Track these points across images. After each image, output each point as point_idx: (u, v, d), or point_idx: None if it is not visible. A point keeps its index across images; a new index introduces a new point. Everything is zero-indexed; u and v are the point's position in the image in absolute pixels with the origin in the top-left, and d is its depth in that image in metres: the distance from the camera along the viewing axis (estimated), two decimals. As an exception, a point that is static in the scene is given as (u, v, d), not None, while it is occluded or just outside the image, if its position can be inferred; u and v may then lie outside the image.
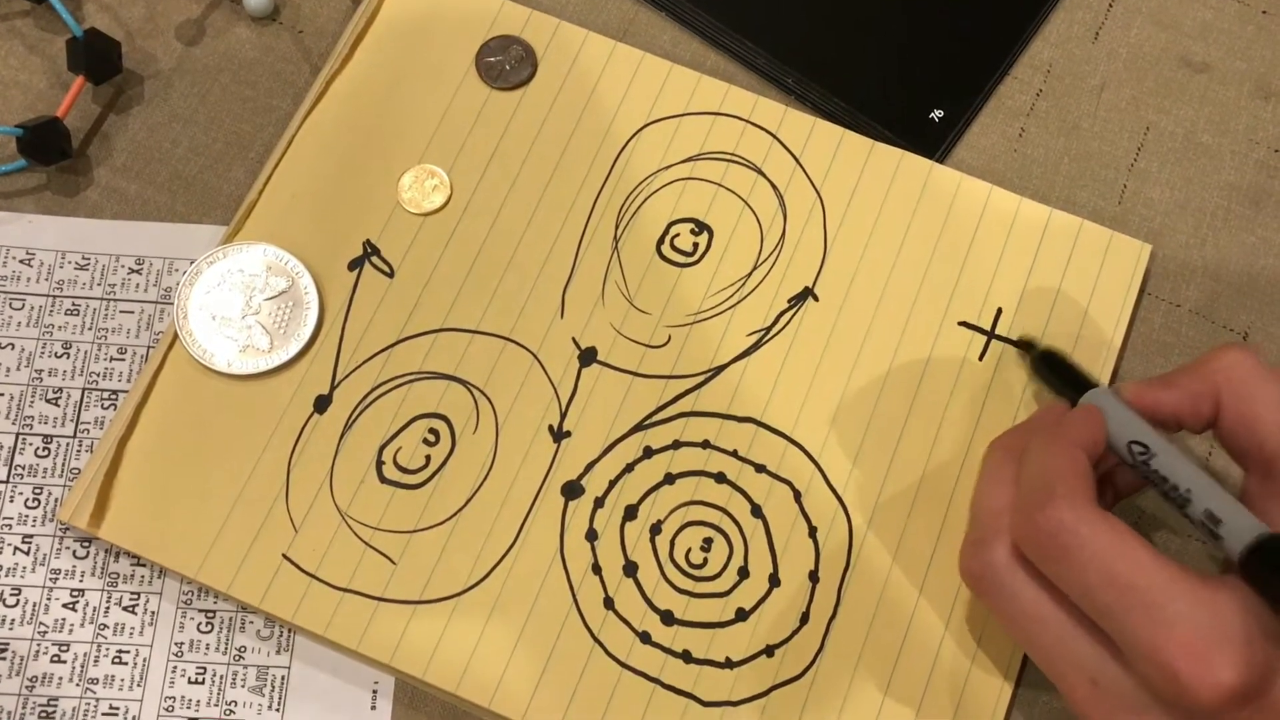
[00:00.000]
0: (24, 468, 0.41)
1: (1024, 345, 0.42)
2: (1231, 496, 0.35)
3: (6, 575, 0.40)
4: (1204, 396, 0.36)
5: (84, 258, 0.44)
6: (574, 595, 0.40)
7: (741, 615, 0.40)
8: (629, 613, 0.40)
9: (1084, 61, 0.48)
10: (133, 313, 0.43)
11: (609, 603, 0.40)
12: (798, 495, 0.41)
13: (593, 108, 0.45)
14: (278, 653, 0.40)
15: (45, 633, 0.40)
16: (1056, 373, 0.40)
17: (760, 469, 0.41)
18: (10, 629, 0.40)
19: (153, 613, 0.40)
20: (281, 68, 0.47)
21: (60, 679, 0.39)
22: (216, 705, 0.39)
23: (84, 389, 0.42)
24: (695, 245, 0.44)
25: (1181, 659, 0.31)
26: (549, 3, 0.48)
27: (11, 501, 0.41)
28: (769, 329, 0.43)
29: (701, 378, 0.42)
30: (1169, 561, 0.33)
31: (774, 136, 0.45)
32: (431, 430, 0.41)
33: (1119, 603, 0.32)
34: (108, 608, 0.40)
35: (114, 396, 0.42)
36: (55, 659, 0.40)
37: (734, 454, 0.41)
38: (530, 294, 0.43)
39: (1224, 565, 0.37)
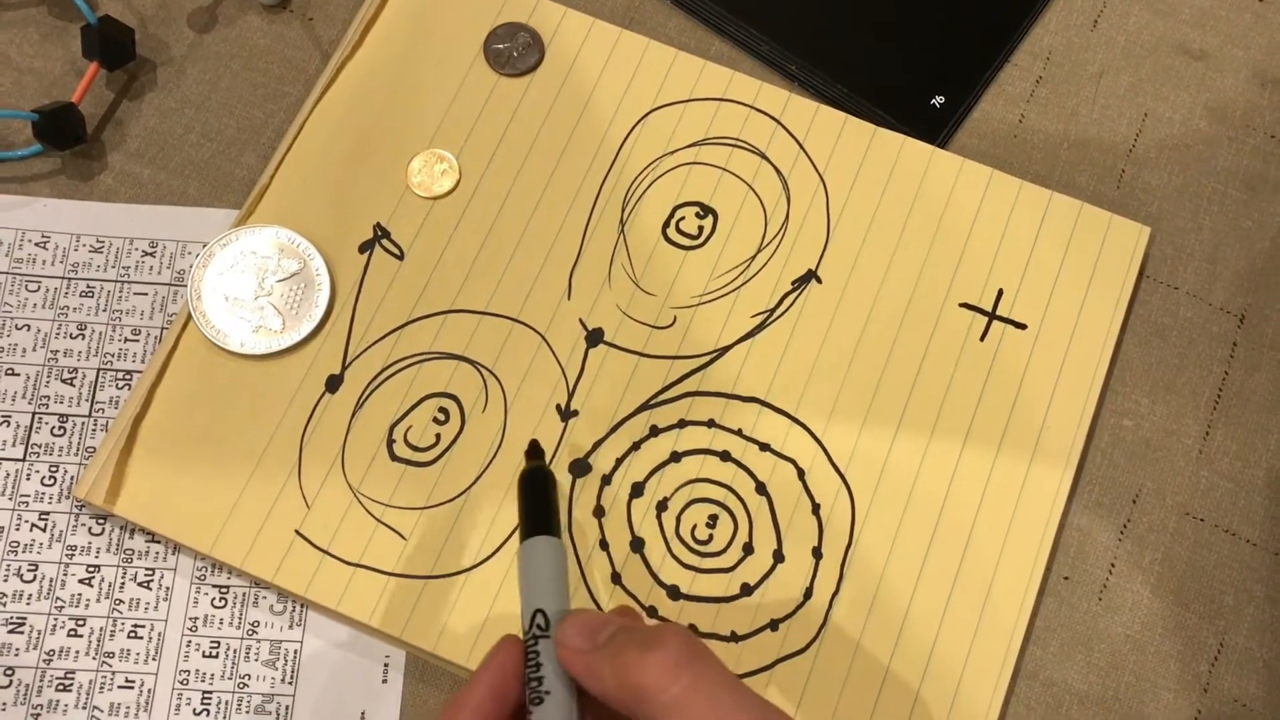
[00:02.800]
0: (40, 446, 0.42)
1: (531, 452, 0.38)
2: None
3: (24, 551, 0.41)
4: (623, 705, 0.32)
5: (98, 241, 0.45)
6: (582, 570, 0.40)
7: (746, 590, 0.40)
8: (636, 587, 0.40)
9: (1083, 49, 0.49)
10: (146, 295, 0.44)
11: (616, 578, 0.40)
12: (801, 473, 0.42)
13: (599, 94, 0.46)
14: (290, 627, 0.41)
15: (62, 607, 0.41)
16: (529, 498, 0.36)
17: (764, 447, 0.42)
18: (28, 604, 0.40)
19: (167, 588, 0.41)
20: (292, 55, 0.48)
21: (77, 652, 0.40)
22: (230, 679, 0.40)
23: (99, 369, 0.43)
24: (700, 228, 0.45)
25: None
26: (556, -9, 0.48)
27: (28, 479, 0.42)
28: (773, 310, 0.44)
29: (707, 358, 0.43)
30: None
31: (777, 122, 0.46)
32: (441, 409, 0.42)
33: None
34: (123, 583, 0.41)
35: (128, 377, 0.43)
36: (72, 633, 0.40)
37: (738, 433, 0.42)
38: (538, 276, 0.44)
39: None
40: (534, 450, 0.38)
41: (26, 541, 0.41)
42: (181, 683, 0.40)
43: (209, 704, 0.40)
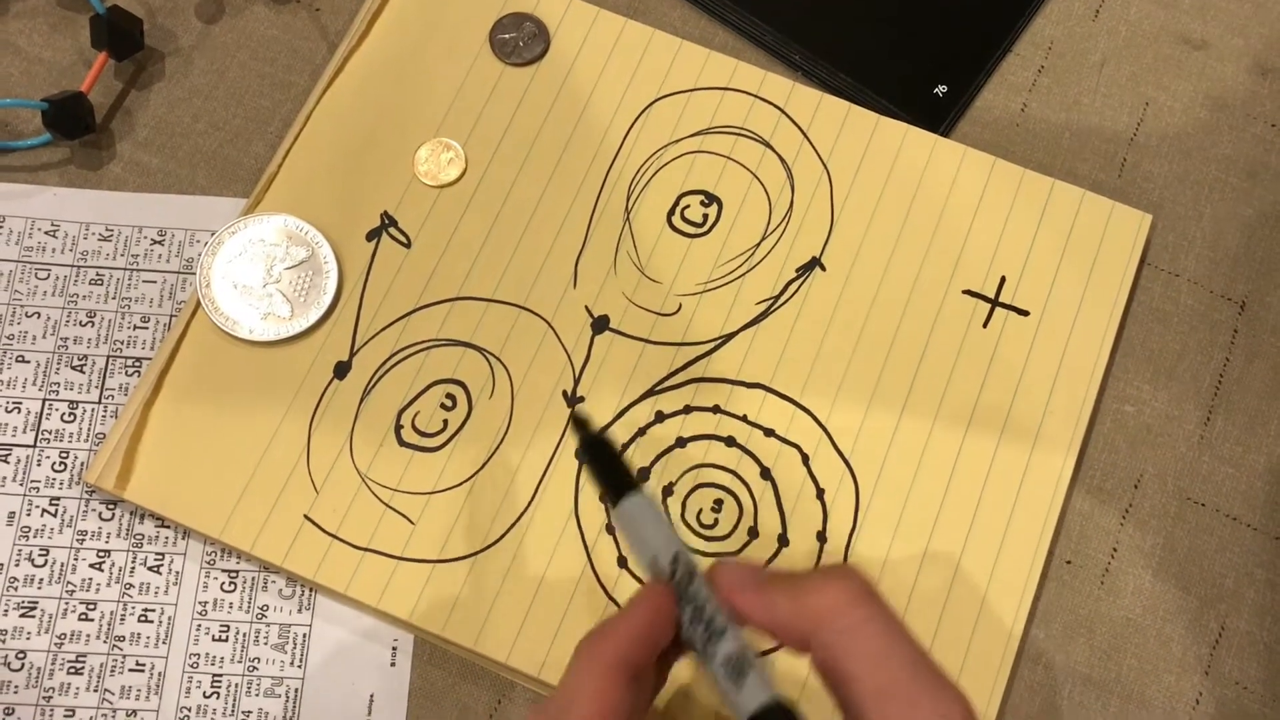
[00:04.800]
0: (51, 432, 0.43)
1: (577, 425, 0.35)
2: (758, 658, 0.32)
3: (35, 536, 0.41)
4: (796, 633, 0.32)
5: (107, 229, 0.45)
6: (588, 554, 0.41)
7: (751, 574, 0.41)
8: (642, 572, 0.40)
9: (1085, 39, 0.49)
10: (155, 282, 0.44)
11: (623, 561, 0.41)
12: (806, 458, 0.42)
13: (604, 83, 0.46)
14: (299, 611, 0.41)
15: (73, 592, 0.41)
16: (600, 465, 0.34)
17: (769, 433, 0.42)
18: (39, 588, 0.41)
19: (177, 573, 0.41)
20: (299, 45, 0.48)
21: (88, 636, 0.40)
22: (240, 662, 0.40)
23: (108, 356, 0.43)
24: (705, 216, 0.45)
25: None
26: (561, -19, 0.49)
27: (39, 465, 0.42)
28: (777, 298, 0.44)
29: (711, 345, 0.43)
30: None
31: (782, 111, 0.46)
32: (449, 395, 0.42)
33: None
34: (133, 568, 0.41)
35: (138, 363, 0.43)
36: (83, 617, 0.41)
37: (743, 419, 0.42)
38: (544, 264, 0.44)
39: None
40: (580, 423, 0.35)
41: (37, 527, 0.42)
42: (192, 666, 0.40)
43: (219, 687, 0.40)
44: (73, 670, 0.40)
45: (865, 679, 0.30)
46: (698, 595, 0.32)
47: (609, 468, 0.34)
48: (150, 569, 0.41)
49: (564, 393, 0.43)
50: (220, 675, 0.40)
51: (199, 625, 0.41)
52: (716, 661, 0.31)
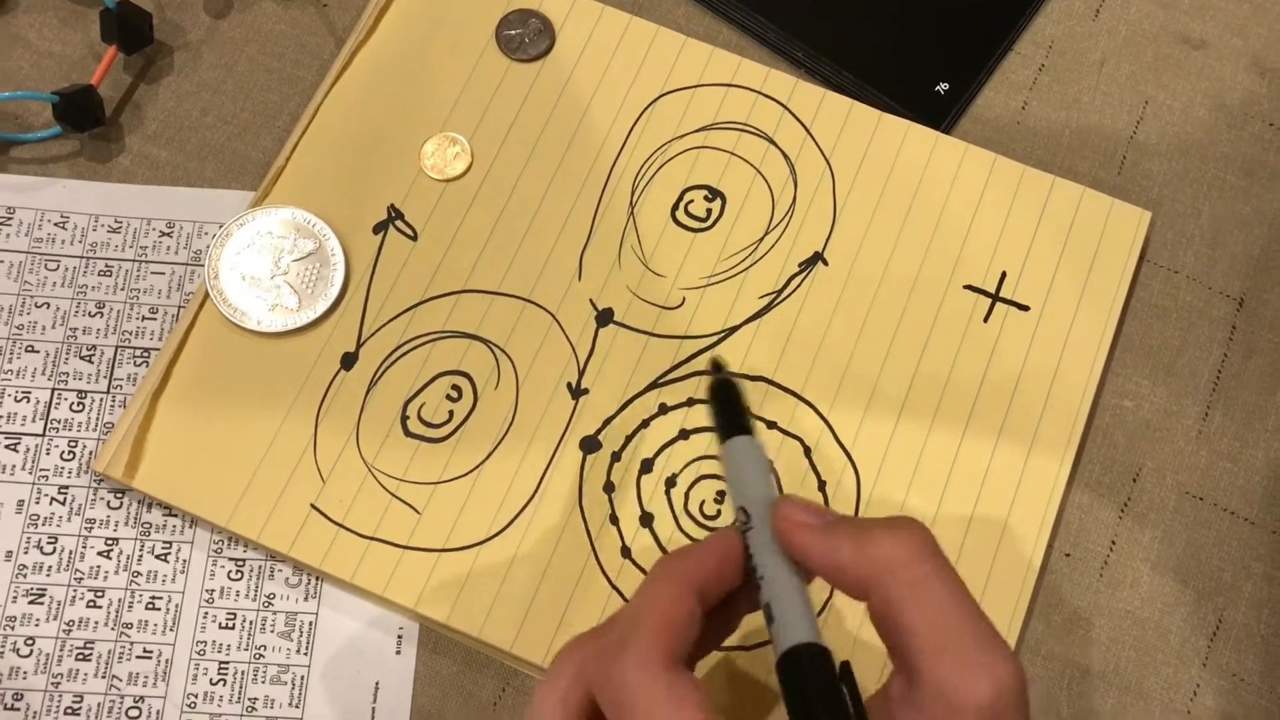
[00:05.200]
0: (60, 422, 0.43)
1: (714, 366, 0.37)
2: (802, 600, 0.32)
3: (44, 524, 0.42)
4: (856, 581, 0.32)
5: (116, 221, 0.45)
6: (592, 544, 0.41)
7: (754, 565, 0.41)
8: (646, 561, 0.41)
9: (1085, 38, 0.49)
10: (164, 274, 0.45)
11: (626, 551, 0.41)
12: (807, 451, 0.42)
13: (609, 79, 0.47)
14: (306, 600, 0.41)
15: (81, 579, 0.41)
16: (721, 405, 0.36)
17: (771, 425, 0.43)
18: (48, 575, 0.41)
19: (184, 561, 0.42)
20: (307, 40, 0.48)
21: (96, 623, 0.41)
22: (246, 650, 0.41)
23: (117, 346, 0.44)
24: (709, 211, 0.45)
25: None
26: (566, -22, 0.49)
27: (48, 454, 0.43)
28: (780, 292, 0.44)
29: (715, 338, 0.44)
30: None
31: (785, 107, 0.47)
32: (454, 387, 0.43)
33: None
34: (141, 556, 0.42)
35: (146, 354, 0.44)
36: (91, 604, 0.41)
37: (713, 407, 0.43)
38: (549, 257, 0.44)
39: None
40: (717, 365, 0.37)
41: (46, 515, 0.42)
42: (199, 653, 0.41)
43: (225, 674, 0.40)
44: (81, 657, 0.40)
45: (925, 633, 0.31)
46: (750, 543, 0.33)
47: (729, 409, 0.35)
48: (158, 557, 0.42)
49: (568, 385, 0.43)
50: (227, 663, 0.41)
51: (206, 613, 0.41)
52: (761, 602, 0.32)
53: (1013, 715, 0.30)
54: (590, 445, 0.42)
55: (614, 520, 0.41)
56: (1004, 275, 0.45)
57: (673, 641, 0.31)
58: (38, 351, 0.44)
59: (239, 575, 0.41)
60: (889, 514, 0.41)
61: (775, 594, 0.32)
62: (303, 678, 0.40)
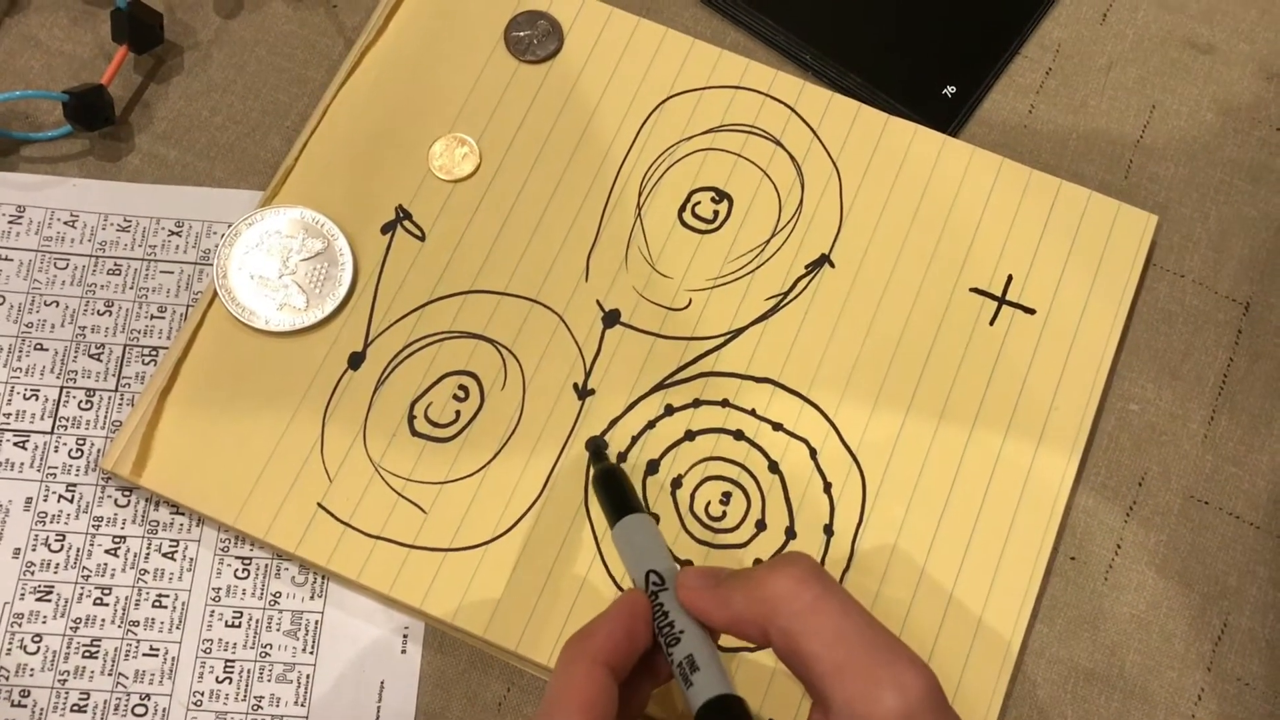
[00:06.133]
0: (68, 419, 0.43)
1: (592, 452, 0.41)
2: (716, 655, 0.34)
3: (51, 522, 0.42)
4: (753, 624, 0.33)
5: (125, 220, 0.46)
6: (598, 544, 0.41)
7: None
8: (651, 562, 0.41)
9: (1092, 42, 0.50)
10: (172, 273, 0.45)
11: (631, 552, 0.41)
12: (813, 452, 0.42)
13: (617, 81, 0.47)
14: (312, 598, 0.41)
15: (88, 576, 0.41)
16: (610, 491, 0.39)
17: (777, 427, 0.43)
18: (55, 573, 0.41)
19: (191, 559, 0.42)
20: (316, 40, 0.48)
21: (103, 620, 0.41)
22: (252, 648, 0.41)
23: (125, 345, 0.44)
24: (716, 213, 0.45)
25: None
26: (575, -20, 0.49)
27: (56, 452, 0.43)
28: (786, 294, 0.44)
29: (721, 340, 0.44)
30: None
31: (792, 110, 0.47)
32: (461, 387, 0.43)
33: None
34: (148, 554, 0.42)
35: (154, 352, 0.44)
36: (98, 602, 0.41)
37: (752, 412, 0.43)
38: (556, 258, 0.45)
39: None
40: (597, 452, 0.41)
41: (54, 512, 0.42)
42: (205, 651, 0.41)
43: (231, 672, 0.41)
44: (88, 654, 0.41)
45: (823, 657, 0.32)
46: (664, 604, 0.35)
47: (619, 492, 0.39)
48: (165, 555, 0.42)
49: (575, 385, 0.43)
50: (233, 661, 0.41)
51: (212, 611, 0.41)
52: (675, 663, 0.34)
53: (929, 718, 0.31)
54: (596, 446, 0.42)
55: (620, 521, 0.42)
56: (1010, 278, 0.45)
57: (597, 713, 0.32)
58: (47, 349, 0.44)
59: (245, 574, 0.42)
60: (891, 520, 0.42)
61: (693, 648, 0.34)
62: (308, 676, 0.41)
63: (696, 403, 0.43)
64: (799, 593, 0.33)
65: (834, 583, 0.33)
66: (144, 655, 0.41)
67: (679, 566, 0.36)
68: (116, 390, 0.43)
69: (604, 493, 0.40)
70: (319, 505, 0.41)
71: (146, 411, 0.42)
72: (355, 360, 0.43)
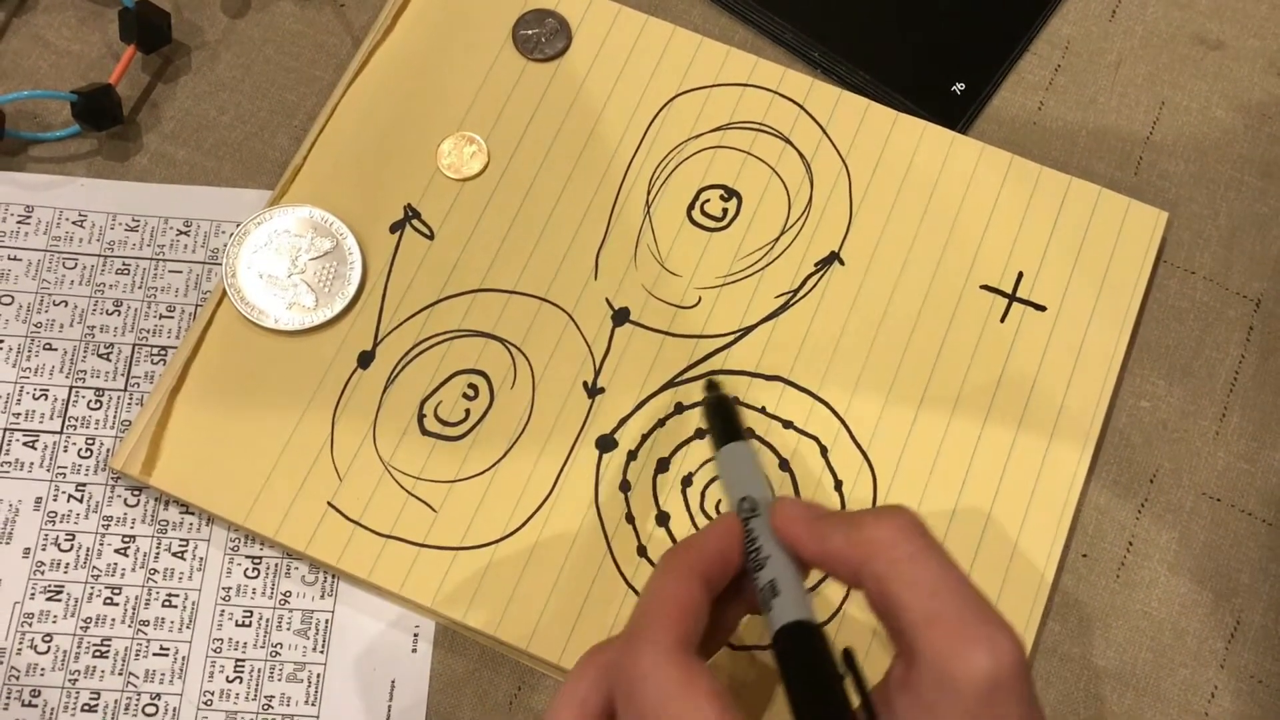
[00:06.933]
0: (77, 419, 0.43)
1: (707, 384, 0.40)
2: (799, 582, 0.34)
3: (61, 521, 0.42)
4: (846, 564, 0.33)
5: (134, 220, 0.46)
6: (608, 543, 0.41)
7: (770, 564, 0.41)
8: (661, 560, 0.41)
9: (1101, 38, 0.49)
10: (181, 272, 0.45)
11: (642, 550, 0.41)
12: (824, 450, 0.42)
13: (625, 79, 0.47)
14: (322, 598, 0.41)
15: (98, 576, 0.41)
16: (719, 417, 0.38)
17: (788, 425, 0.43)
18: (65, 572, 0.41)
19: (201, 559, 0.42)
20: (324, 40, 0.48)
21: (113, 620, 0.41)
22: (263, 647, 0.41)
23: (134, 345, 0.44)
24: (725, 210, 0.45)
25: None
26: (583, -21, 0.49)
27: (65, 451, 0.43)
28: (796, 291, 0.44)
29: (731, 337, 0.44)
30: None
31: (801, 107, 0.47)
32: (471, 385, 0.43)
33: None
34: (158, 553, 0.42)
35: (163, 352, 0.44)
36: (108, 601, 0.41)
37: (762, 410, 0.43)
38: (565, 256, 0.45)
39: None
40: (711, 383, 0.40)
41: (64, 512, 0.42)
42: (215, 651, 0.41)
43: (241, 671, 0.40)
44: (98, 654, 0.40)
45: (916, 606, 0.31)
46: (755, 530, 0.35)
47: (728, 419, 0.38)
48: (175, 555, 0.42)
49: (584, 384, 0.43)
50: (243, 660, 0.41)
51: (222, 611, 0.41)
52: (759, 587, 0.34)
53: (1012, 698, 0.30)
54: (606, 444, 0.42)
55: (630, 519, 0.41)
56: (1020, 275, 0.45)
57: (683, 628, 0.32)
58: (56, 349, 0.44)
59: (255, 573, 0.42)
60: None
61: (777, 573, 0.34)
62: (319, 676, 0.41)
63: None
64: (900, 542, 0.32)
65: (935, 539, 0.33)
66: (154, 655, 0.41)
67: (774, 497, 0.35)
68: (125, 390, 0.43)
69: (714, 418, 0.38)
70: (329, 504, 0.41)
71: (156, 411, 0.42)
72: (365, 359, 0.43)
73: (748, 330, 0.44)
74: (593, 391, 0.43)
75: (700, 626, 0.33)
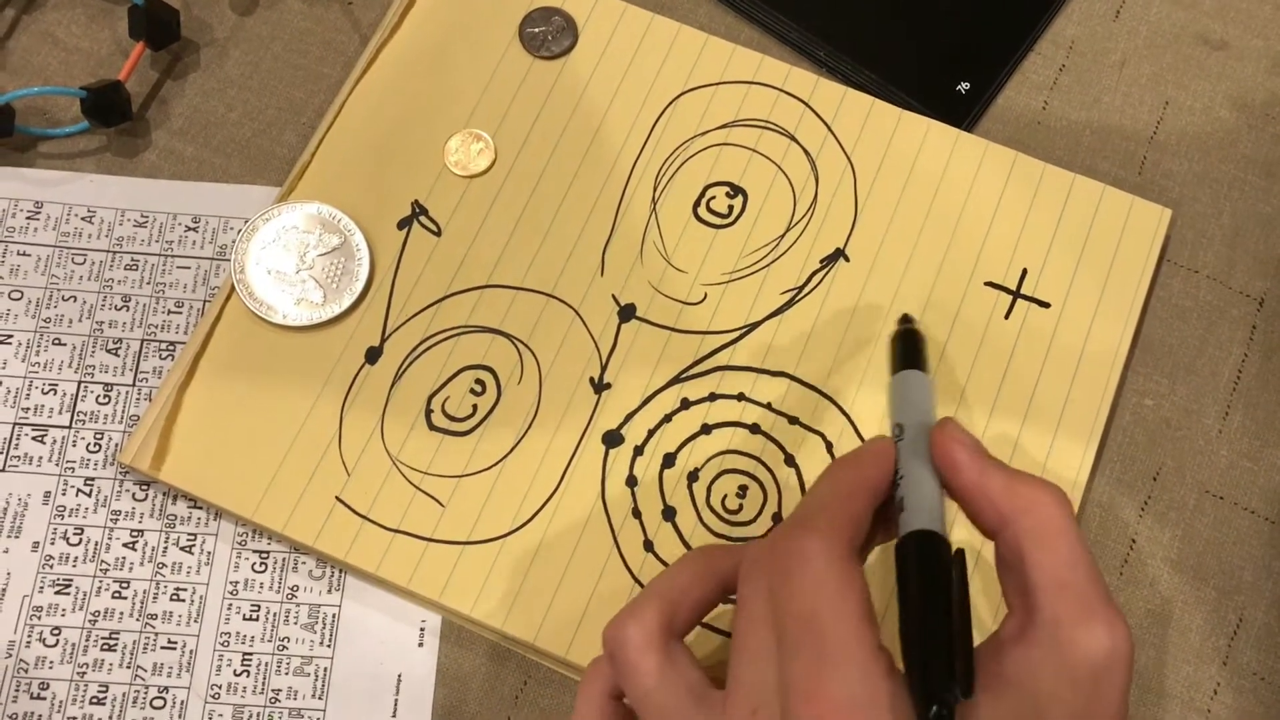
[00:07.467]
0: (86, 414, 0.43)
1: (904, 318, 0.40)
2: (938, 497, 0.34)
3: (70, 515, 0.42)
4: (995, 510, 0.33)
5: (143, 216, 0.46)
6: (615, 538, 0.41)
7: (775, 559, 0.41)
8: (668, 555, 0.41)
9: (1105, 38, 0.50)
10: (189, 268, 0.45)
11: (649, 545, 0.41)
12: (829, 446, 0.43)
13: (631, 76, 0.47)
14: (329, 592, 0.42)
15: (106, 570, 0.42)
16: (906, 345, 0.38)
17: (793, 420, 0.43)
18: (74, 566, 0.42)
19: (209, 553, 0.42)
20: (332, 37, 0.49)
21: (121, 614, 0.41)
22: (270, 641, 0.41)
23: (143, 340, 0.44)
24: (730, 207, 0.46)
25: (811, 715, 0.30)
26: (589, -23, 0.49)
27: (74, 446, 0.43)
28: (802, 288, 0.45)
29: (737, 333, 0.44)
30: (873, 633, 0.31)
31: (806, 104, 0.47)
32: (478, 381, 0.43)
33: (801, 640, 0.31)
34: (166, 548, 0.42)
35: (171, 347, 0.44)
36: (116, 595, 0.41)
37: (768, 406, 0.43)
38: (571, 253, 0.45)
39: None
40: (907, 317, 0.40)
41: (73, 506, 0.42)
42: (222, 644, 0.41)
43: (249, 665, 0.41)
44: (106, 647, 0.41)
45: (1052, 571, 0.31)
46: (903, 452, 0.34)
47: (911, 348, 0.38)
48: (183, 549, 0.42)
49: (591, 379, 0.43)
50: (250, 654, 0.41)
51: (230, 605, 0.41)
52: (897, 497, 0.34)
53: (1116, 685, 0.31)
54: (613, 439, 0.42)
55: (636, 514, 0.42)
56: (1025, 272, 0.45)
57: (853, 532, 0.32)
58: (65, 344, 0.44)
59: (263, 567, 0.42)
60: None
61: (912, 488, 0.33)
62: (326, 669, 0.41)
63: (712, 396, 0.43)
64: (1054, 509, 0.32)
65: (1078, 525, 0.33)
66: (162, 648, 0.41)
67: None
68: (134, 385, 0.44)
69: (901, 345, 0.38)
70: (337, 499, 0.41)
71: (164, 406, 0.42)
72: (372, 354, 0.43)
73: (753, 326, 0.44)
74: (599, 387, 0.43)
75: (862, 540, 0.33)
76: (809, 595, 0.31)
